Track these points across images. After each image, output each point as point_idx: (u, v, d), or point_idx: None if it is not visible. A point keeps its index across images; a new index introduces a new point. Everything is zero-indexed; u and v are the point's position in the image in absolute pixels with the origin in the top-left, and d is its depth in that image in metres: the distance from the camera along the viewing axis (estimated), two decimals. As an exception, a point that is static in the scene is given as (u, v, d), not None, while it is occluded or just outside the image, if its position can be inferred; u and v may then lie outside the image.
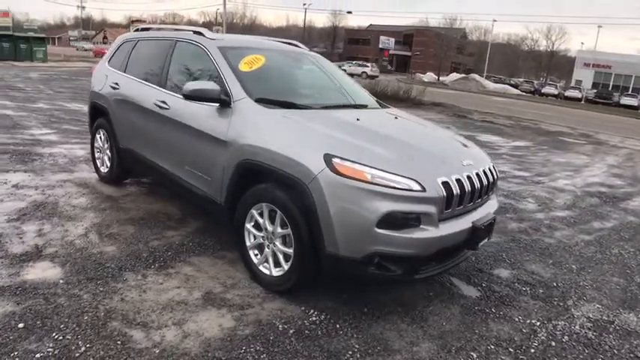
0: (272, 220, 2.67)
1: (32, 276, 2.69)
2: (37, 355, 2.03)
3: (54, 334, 2.18)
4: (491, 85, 40.33)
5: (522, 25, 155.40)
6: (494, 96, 32.83)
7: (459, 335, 2.52)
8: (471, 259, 3.61)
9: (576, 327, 2.74)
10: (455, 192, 2.47)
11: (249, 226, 2.82)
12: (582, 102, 38.62)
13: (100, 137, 4.38)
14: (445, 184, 2.45)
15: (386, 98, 17.88)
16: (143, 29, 4.33)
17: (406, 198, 2.33)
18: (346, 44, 70.03)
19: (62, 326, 2.25)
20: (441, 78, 44.51)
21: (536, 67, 77.66)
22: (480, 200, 2.75)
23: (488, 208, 2.90)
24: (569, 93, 41.62)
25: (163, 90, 3.50)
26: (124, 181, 4.51)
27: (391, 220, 2.32)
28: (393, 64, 59.51)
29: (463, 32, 69.72)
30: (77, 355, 2.06)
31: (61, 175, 4.56)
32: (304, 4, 60.80)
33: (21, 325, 2.22)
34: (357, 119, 2.97)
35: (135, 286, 2.69)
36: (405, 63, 59.27)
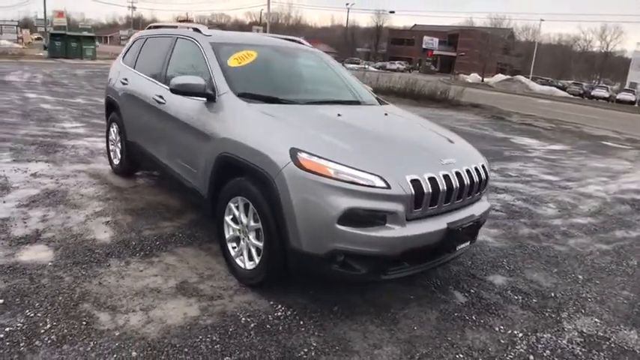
0: (247, 214, 2.69)
1: (25, 257, 2.86)
2: (7, 329, 2.16)
3: (27, 312, 2.31)
4: (537, 87, 38.37)
5: (575, 25, 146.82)
6: (540, 98, 31.15)
7: (428, 341, 2.41)
8: (466, 263, 3.45)
9: (563, 341, 2.54)
10: (426, 191, 2.37)
11: (227, 218, 2.85)
12: (636, 105, 35.80)
13: (113, 130, 4.60)
14: (415, 182, 2.35)
15: (422, 99, 17.54)
16: (155, 27, 4.50)
17: (369, 195, 2.26)
18: (390, 44, 69.23)
19: (37, 304, 2.38)
20: (485, 79, 42.87)
21: (589, 69, 72.99)
22: (460, 201, 2.62)
23: (474, 209, 2.75)
24: (622, 96, 38.64)
25: (162, 85, 3.62)
26: (135, 173, 4.71)
27: (353, 217, 2.26)
28: (437, 65, 58.10)
29: (511, 32, 66.80)
30: (42, 331, 2.18)
31: (77, 165, 4.83)
32: (347, 4, 60.71)
33: (1, 301, 2.38)
34: (339, 115, 2.92)
35: (115, 272, 2.80)
36: (450, 64, 57.66)
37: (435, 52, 55.63)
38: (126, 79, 4.21)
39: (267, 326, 2.41)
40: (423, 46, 50.52)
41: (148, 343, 2.19)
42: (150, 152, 3.87)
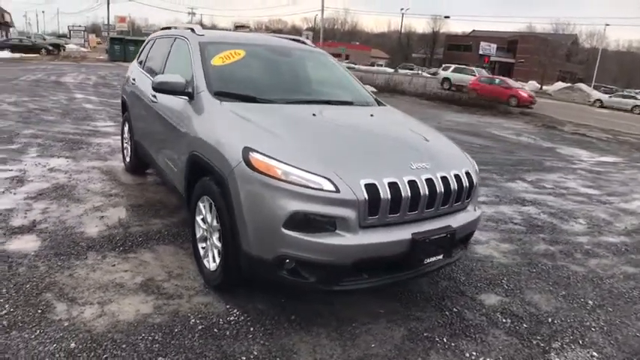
0: (212, 214, 2.65)
1: (13, 246, 3.01)
2: (-33, 313, 2.27)
3: (-14, 297, 2.42)
4: (599, 96, 35.27)
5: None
6: (600, 107, 28.74)
7: (382, 360, 2.22)
8: (459, 278, 3.17)
9: (544, 375, 2.24)
10: (383, 197, 2.18)
11: (198, 218, 2.82)
12: None
13: (125, 129, 4.79)
14: (370, 186, 2.17)
15: (470, 106, 16.83)
16: (164, 28, 4.64)
17: (317, 198, 2.11)
18: (446, 50, 67.24)
19: (4, 291, 2.48)
20: (544, 87, 40.19)
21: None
22: (431, 210, 2.39)
23: (452, 220, 2.51)
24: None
25: None
26: (146, 171, 4.86)
27: (301, 222, 2.13)
28: (495, 71, 55.45)
29: (574, 38, 62.26)
30: (-3, 316, 2.27)
31: (94, 162, 5.07)
32: (401, 9, 59.87)
33: (-28, 287, 2.51)
34: (313, 115, 2.80)
35: (89, 265, 2.86)
36: (508, 71, 54.83)
37: (492, 59, 53.17)
38: (134, 80, 4.37)
39: (215, 330, 2.33)
40: (480, 52, 48.25)
41: (91, 336, 2.19)
42: (147, 150, 3.97)
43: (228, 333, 2.31)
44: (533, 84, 40.82)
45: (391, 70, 47.51)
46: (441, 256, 2.43)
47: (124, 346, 2.15)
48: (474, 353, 2.34)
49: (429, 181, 2.35)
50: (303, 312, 2.55)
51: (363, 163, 2.32)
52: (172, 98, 3.18)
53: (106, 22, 42.29)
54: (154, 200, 4.12)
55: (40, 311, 2.34)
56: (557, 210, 5.04)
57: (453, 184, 2.47)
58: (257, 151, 2.26)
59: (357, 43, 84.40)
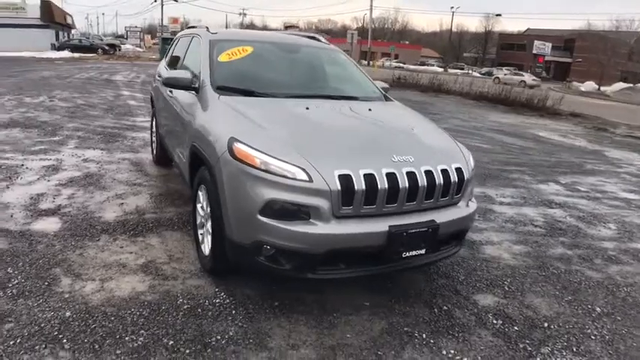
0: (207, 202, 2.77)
1: (38, 226, 3.32)
2: (-17, 281, 2.55)
3: (8, 269, 2.68)
4: None
5: None
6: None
7: (353, 352, 2.22)
8: (458, 277, 3.09)
9: (523, 378, 2.14)
10: (357, 188, 2.19)
11: (198, 206, 2.97)
12: None
13: (153, 124, 5.08)
14: (345, 177, 2.19)
15: (517, 106, 16.05)
16: (188, 27, 4.87)
17: (291, 187, 2.17)
18: (499, 49, 64.51)
19: (20, 264, 2.75)
20: (602, 87, 37.34)
21: None
22: (413, 203, 2.36)
23: (438, 215, 2.46)
24: None
25: None
26: (172, 163, 5.12)
27: (276, 209, 2.20)
28: (550, 72, 52.38)
29: (638, 36, 57.30)
30: (9, 285, 2.51)
31: (126, 154, 5.43)
32: (452, 7, 58.18)
33: (-5, 259, 2.80)
34: (307, 108, 2.85)
35: (99, 246, 3.09)
36: (565, 70, 51.54)
37: (548, 58, 50.25)
38: (160, 76, 4.63)
39: (199, 310, 2.45)
40: (534, 52, 45.90)
41: (86, 307, 2.39)
42: (166, 142, 4.20)
43: (210, 314, 2.43)
44: (590, 84, 38.15)
45: (440, 70, 46.42)
46: (422, 251, 2.39)
47: (112, 318, 2.32)
48: (452, 352, 2.29)
49: (411, 175, 2.33)
50: (287, 299, 2.61)
51: (342, 155, 2.34)
52: (184, 93, 3.36)
53: (161, 24, 44.74)
54: (173, 190, 4.35)
55: (47, 284, 2.58)
56: (587, 214, 4.74)
57: (439, 179, 2.42)
58: (240, 141, 2.35)
59: (407, 43, 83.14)
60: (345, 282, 2.83)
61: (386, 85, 4.02)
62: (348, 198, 2.19)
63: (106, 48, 35.01)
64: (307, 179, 2.16)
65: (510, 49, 61.99)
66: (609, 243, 3.98)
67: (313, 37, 4.33)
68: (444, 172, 2.46)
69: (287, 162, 2.20)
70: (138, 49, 38.86)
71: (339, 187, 2.17)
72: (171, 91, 3.79)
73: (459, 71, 48.11)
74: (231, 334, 2.27)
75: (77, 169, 4.69)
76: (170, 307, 2.45)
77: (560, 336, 2.52)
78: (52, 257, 2.88)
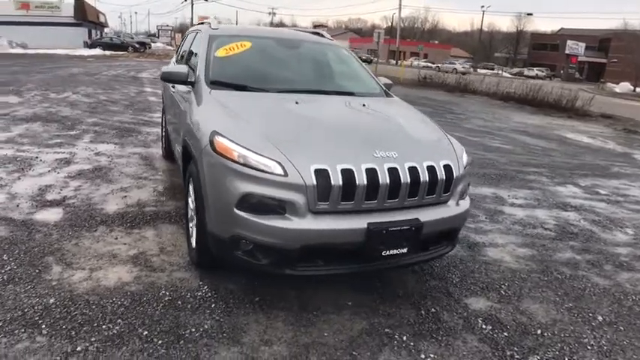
0: None
1: (40, 216, 3.42)
2: (-23, 266, 2.64)
3: (4, 255, 2.77)
4: None
5: None
6: None
7: (327, 351, 2.16)
8: (452, 279, 2.98)
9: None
10: (334, 183, 2.14)
11: (189, 200, 2.98)
12: None
13: (163, 118, 5.16)
14: (321, 172, 2.14)
15: (545, 107, 15.48)
16: (199, 23, 4.92)
17: (266, 181, 2.14)
18: (531, 49, 62.41)
19: (16, 252, 2.84)
20: (638, 89, 35.44)
21: None
22: (395, 201, 2.29)
23: (423, 213, 2.37)
24: None
25: None
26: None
27: (252, 203, 2.17)
28: (584, 72, 50.14)
29: None
30: (1, 271, 2.59)
31: (137, 149, 5.54)
32: (482, 6, 56.74)
33: (-7, 246, 2.90)
34: (296, 103, 2.81)
35: (95, 237, 3.15)
36: (599, 71, 49.19)
37: (581, 59, 48.10)
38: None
39: (179, 302, 2.45)
40: (566, 52, 44.03)
41: (71, 295, 2.43)
42: (170, 136, 4.26)
43: (189, 306, 2.43)
44: (625, 85, 36.30)
45: (461, 69, 45.70)
46: (404, 250, 2.31)
47: (93, 306, 2.36)
48: (432, 355, 2.20)
49: (393, 171, 2.25)
50: (269, 295, 2.58)
51: (321, 150, 2.29)
52: (183, 88, 3.39)
53: (191, 22, 45.88)
54: (177, 185, 4.39)
55: (37, 271, 2.65)
56: (603, 218, 4.49)
57: (424, 176, 2.33)
58: (221, 135, 2.34)
59: (436, 42, 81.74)
60: (331, 280, 2.78)
61: (389, 82, 3.94)
62: (325, 193, 2.14)
63: (137, 46, 36.00)
64: (283, 173, 2.13)
65: (543, 49, 59.89)
66: (623, 249, 3.76)
67: (317, 33, 4.29)
68: (431, 169, 2.37)
69: (264, 156, 2.18)
70: (168, 47, 39.95)
71: (315, 182, 2.12)
72: (173, 87, 3.84)
73: (488, 71, 46.90)
74: (206, 327, 2.27)
75: (88, 162, 4.83)
76: (151, 298, 2.47)
77: (552, 344, 2.38)
78: (48, 246, 2.96)
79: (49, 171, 4.42)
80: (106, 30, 48.19)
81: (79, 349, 2.06)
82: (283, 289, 2.65)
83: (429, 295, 2.77)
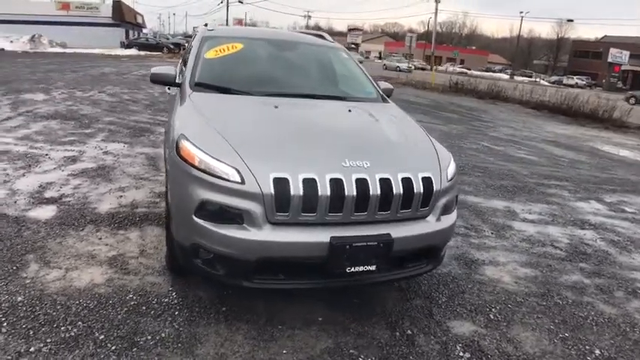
0: None
1: (33, 213, 3.48)
2: (-43, 263, 2.69)
3: (-14, 252, 2.83)
4: None
5: None
6: None
7: (286, 368, 2.05)
8: (439, 299, 2.79)
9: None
10: (294, 193, 2.02)
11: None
12: None
13: (169, 120, 5.21)
14: (281, 180, 2.03)
15: (580, 117, 14.72)
16: (205, 25, 4.93)
17: (224, 189, 2.05)
18: (572, 57, 59.74)
19: (0, 248, 2.89)
20: None
21: None
22: (363, 214, 2.14)
23: (396, 229, 2.21)
24: None
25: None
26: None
27: (210, 211, 2.09)
28: (627, 82, 47.32)
29: None
30: (-22, 268, 2.64)
31: (145, 149, 5.60)
32: (521, 12, 54.89)
33: (-21, 241, 2.96)
34: (275, 107, 2.72)
35: (80, 236, 3.16)
36: (643, 81, 46.35)
37: (624, 67, 45.45)
38: (173, 75, 4.74)
39: (143, 308, 2.40)
40: (608, 60, 41.64)
41: (40, 294, 2.43)
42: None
43: (153, 312, 2.37)
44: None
45: (505, 77, 44.10)
46: (372, 267, 2.15)
47: (59, 307, 2.34)
48: (396, 382, 2.05)
49: (361, 182, 2.11)
50: (237, 306, 2.49)
51: (286, 157, 2.18)
52: (174, 89, 3.38)
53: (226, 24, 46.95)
54: (175, 186, 4.40)
55: (15, 268, 2.67)
56: (624, 238, 4.14)
57: (397, 189, 2.18)
58: (187, 139, 2.27)
59: (474, 48, 79.93)
60: (307, 294, 2.66)
61: (389, 87, 3.78)
62: (284, 203, 2.03)
63: (171, 47, 36.91)
64: (240, 181, 2.03)
65: (584, 57, 57.23)
66: (640, 274, 3.44)
67: (320, 36, 4.19)
68: (406, 181, 2.21)
69: (223, 162, 2.09)
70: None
71: (273, 191, 2.01)
72: (169, 88, 3.84)
73: (525, 79, 45.26)
74: (163, 335, 2.20)
75: (94, 161, 4.92)
76: (117, 302, 2.43)
77: (536, 379, 2.17)
78: (32, 243, 2.99)
79: (54, 168, 4.53)
80: (144, 30, 49.96)
81: (32, 349, 2.04)
82: (254, 300, 2.55)
83: (409, 315, 2.60)
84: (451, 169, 2.50)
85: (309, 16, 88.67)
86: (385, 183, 2.16)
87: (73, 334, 2.16)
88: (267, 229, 2.04)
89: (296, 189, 2.02)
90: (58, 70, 14.90)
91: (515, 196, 5.26)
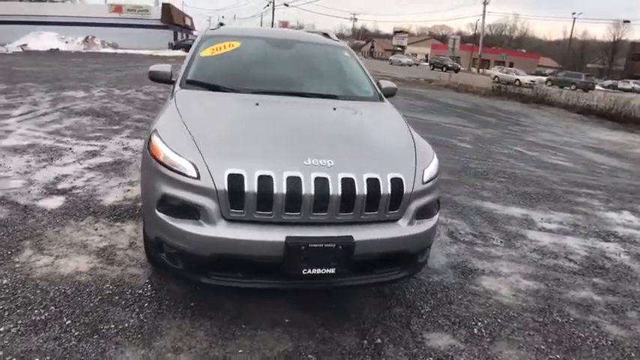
0: None
1: (43, 203, 3.66)
2: (-39, 244, 2.88)
3: (-12, 236, 3.00)
4: None
5: None
6: None
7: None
8: (422, 309, 2.64)
9: None
10: (248, 189, 1.98)
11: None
12: None
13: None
14: (235, 177, 2.00)
15: (630, 123, 13.64)
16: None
17: (181, 184, 2.07)
18: (629, 60, 55.56)
19: (2, 233, 3.05)
20: None
21: None
22: (323, 214, 2.07)
23: (363, 232, 2.11)
24: None
25: None
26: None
27: (170, 205, 2.11)
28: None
29: None
30: (-22, 252, 2.81)
31: (162, 145, 5.77)
32: (573, 14, 51.83)
33: (-15, 225, 3.15)
34: (257, 104, 2.70)
35: (78, 226, 3.29)
36: None
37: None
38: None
39: (116, 297, 2.45)
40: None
41: (25, 278, 2.55)
42: None
43: (123, 303, 2.41)
44: None
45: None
46: (331, 270, 2.06)
47: (38, 291, 2.45)
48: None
49: (321, 181, 2.04)
50: (206, 303, 2.48)
51: (245, 153, 2.16)
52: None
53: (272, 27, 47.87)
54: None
55: (9, 253, 2.82)
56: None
57: (361, 189, 2.08)
58: (157, 134, 2.31)
59: (524, 51, 76.54)
60: (284, 294, 2.60)
61: (392, 86, 3.66)
62: (238, 200, 2.00)
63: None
64: (196, 176, 2.03)
65: (643, 59, 53.20)
66: (661, 295, 3.09)
67: (325, 35, 4.13)
68: (372, 181, 2.11)
69: (183, 157, 2.10)
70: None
71: (226, 188, 1.99)
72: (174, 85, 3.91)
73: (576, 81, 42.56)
74: (126, 325, 2.23)
75: (112, 156, 5.13)
76: (93, 290, 2.50)
77: (508, 401, 1.99)
78: (32, 230, 3.15)
79: (73, 162, 4.76)
80: (194, 32, 51.87)
81: (1, 329, 2.13)
82: (225, 298, 2.52)
83: (384, 323, 2.47)
84: (429, 170, 2.35)
85: (355, 19, 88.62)
86: (348, 183, 2.07)
87: (43, 317, 2.24)
88: (221, 226, 2.02)
89: (250, 186, 1.99)
90: (103, 69, 15.78)
91: (538, 203, 4.93)
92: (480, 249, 3.62)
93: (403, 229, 2.22)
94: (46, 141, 5.46)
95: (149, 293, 2.53)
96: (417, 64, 35.52)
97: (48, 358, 1.98)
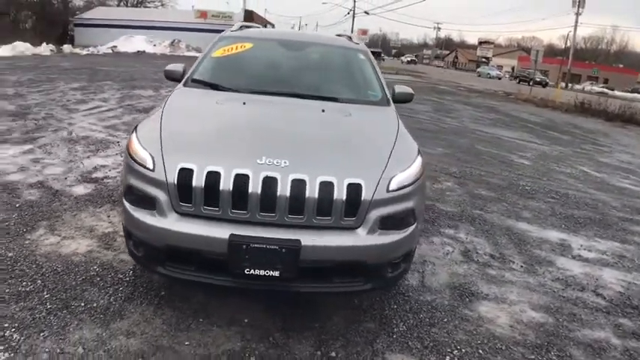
0: None
1: (73, 189, 3.99)
2: (-16, 217, 3.25)
3: (14, 214, 3.34)
4: None
5: None
6: None
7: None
8: (397, 327, 2.46)
9: None
10: (195, 184, 2.01)
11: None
12: None
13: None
14: (185, 171, 2.04)
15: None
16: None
17: (141, 174, 2.17)
18: None
19: (26, 213, 3.39)
20: None
21: None
22: (271, 215, 2.03)
23: (312, 237, 2.03)
24: None
25: None
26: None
27: (134, 195, 2.21)
28: None
29: None
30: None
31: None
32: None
33: (17, 206, 3.51)
34: (244, 103, 2.73)
35: (93, 212, 3.55)
36: None
37: None
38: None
39: (97, 279, 2.61)
40: None
41: (28, 253, 2.82)
42: None
43: (102, 284, 2.56)
44: None
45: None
46: (275, 273, 2.00)
47: (34, 266, 2.68)
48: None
49: (270, 180, 2.00)
50: (177, 295, 2.53)
51: (200, 149, 2.21)
52: None
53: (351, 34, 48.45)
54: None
55: (25, 230, 3.13)
56: None
57: (312, 192, 2.00)
58: (135, 130, 2.44)
59: (621, 66, 69.33)
60: (259, 294, 2.56)
61: (409, 91, 3.48)
62: (187, 194, 2.03)
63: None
64: (151, 168, 2.12)
65: None
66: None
67: (349, 38, 4.08)
68: (326, 185, 2.02)
69: (146, 150, 2.20)
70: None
71: (176, 181, 2.03)
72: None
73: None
74: (95, 305, 2.36)
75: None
76: (79, 270, 2.68)
77: None
78: (52, 213, 3.47)
79: (115, 154, 5.17)
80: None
81: (-11, 296, 2.36)
82: (197, 291, 2.56)
83: (347, 336, 2.33)
84: (399, 178, 2.18)
85: (439, 28, 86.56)
86: (298, 185, 2.00)
87: (28, 289, 2.44)
88: (172, 218, 2.06)
89: (198, 180, 2.01)
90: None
91: (582, 229, 4.40)
92: (492, 271, 3.30)
93: (361, 238, 2.09)
94: (100, 134, 6.00)
95: (127, 279, 2.65)
96: (500, 78, 33.76)
97: (16, 324, 2.15)
